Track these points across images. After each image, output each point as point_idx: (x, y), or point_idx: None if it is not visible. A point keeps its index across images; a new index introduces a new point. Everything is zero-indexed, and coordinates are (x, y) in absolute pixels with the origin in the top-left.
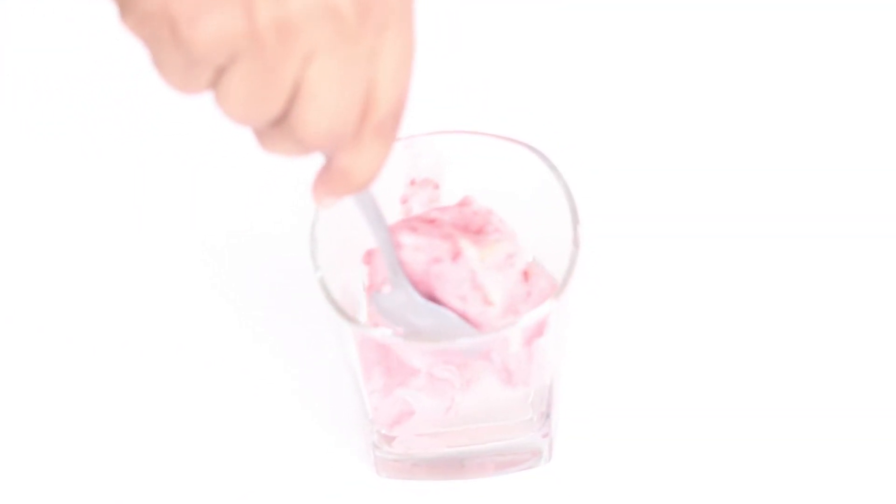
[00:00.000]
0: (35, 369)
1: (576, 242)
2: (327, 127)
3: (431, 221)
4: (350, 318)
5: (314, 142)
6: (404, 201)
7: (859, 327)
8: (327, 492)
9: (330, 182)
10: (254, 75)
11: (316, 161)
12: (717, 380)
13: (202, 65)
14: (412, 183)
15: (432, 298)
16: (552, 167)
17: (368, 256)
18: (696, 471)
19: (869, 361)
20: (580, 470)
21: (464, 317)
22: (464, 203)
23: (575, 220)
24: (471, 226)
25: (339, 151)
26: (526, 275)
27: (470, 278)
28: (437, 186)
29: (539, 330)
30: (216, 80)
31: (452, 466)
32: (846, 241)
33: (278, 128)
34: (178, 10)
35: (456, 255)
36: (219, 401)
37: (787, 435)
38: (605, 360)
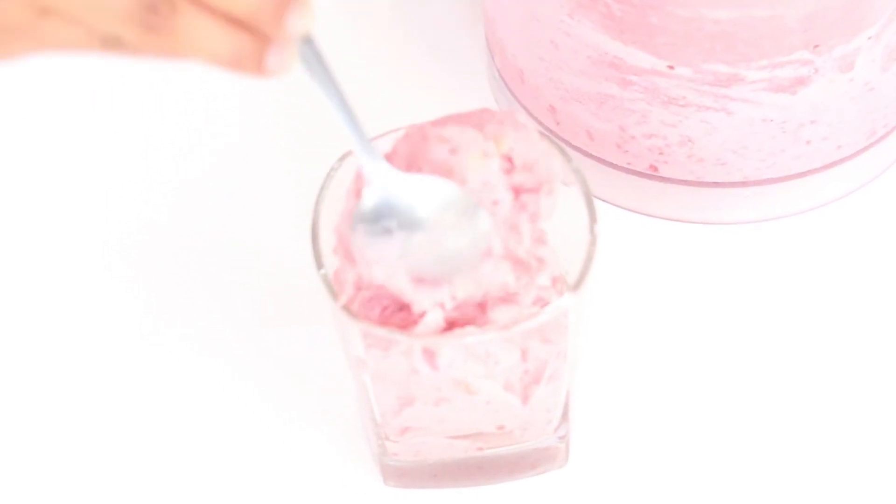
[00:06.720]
0: (32, 370)
1: (593, 233)
2: None
3: None
4: (355, 316)
5: None
6: None
7: (880, 334)
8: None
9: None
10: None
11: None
12: (738, 383)
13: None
14: None
15: None
16: (567, 158)
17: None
18: (715, 475)
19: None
20: (597, 474)
21: None
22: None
23: (592, 213)
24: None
25: None
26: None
27: None
28: None
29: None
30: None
31: (464, 472)
32: (856, 243)
33: None
34: None
35: None
36: (218, 409)
37: (809, 440)
38: (623, 361)
